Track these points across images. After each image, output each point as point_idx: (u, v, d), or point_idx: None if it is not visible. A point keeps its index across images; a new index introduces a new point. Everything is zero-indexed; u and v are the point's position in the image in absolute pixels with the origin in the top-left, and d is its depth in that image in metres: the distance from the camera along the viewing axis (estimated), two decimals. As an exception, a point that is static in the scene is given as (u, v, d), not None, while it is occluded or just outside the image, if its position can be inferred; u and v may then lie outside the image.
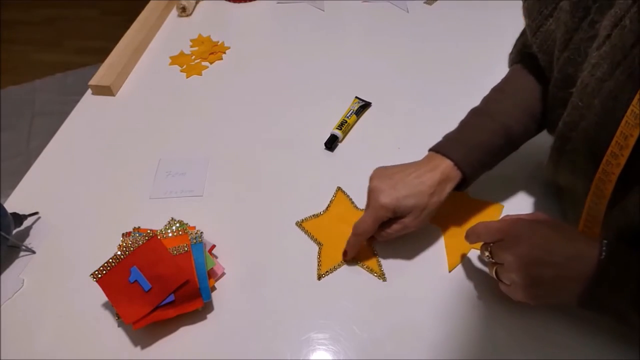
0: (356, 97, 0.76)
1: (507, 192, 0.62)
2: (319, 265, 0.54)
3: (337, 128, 0.69)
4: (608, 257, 0.40)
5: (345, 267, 0.54)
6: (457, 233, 0.57)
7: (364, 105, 0.74)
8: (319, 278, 0.53)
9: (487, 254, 0.46)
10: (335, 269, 0.54)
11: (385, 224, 0.52)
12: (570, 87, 0.46)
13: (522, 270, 0.42)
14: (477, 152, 0.53)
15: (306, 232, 0.57)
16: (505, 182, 0.63)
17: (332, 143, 0.68)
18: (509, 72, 0.60)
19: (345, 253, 0.54)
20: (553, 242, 0.42)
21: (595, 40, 0.41)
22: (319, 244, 0.56)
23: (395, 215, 0.51)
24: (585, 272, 0.40)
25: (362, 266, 0.54)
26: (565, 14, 0.45)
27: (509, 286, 0.44)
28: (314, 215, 0.59)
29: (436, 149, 0.54)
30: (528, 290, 0.42)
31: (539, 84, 0.54)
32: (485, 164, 0.54)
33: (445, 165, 0.52)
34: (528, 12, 0.52)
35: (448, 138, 0.55)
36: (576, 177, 0.47)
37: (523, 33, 0.58)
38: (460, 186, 0.53)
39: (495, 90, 0.58)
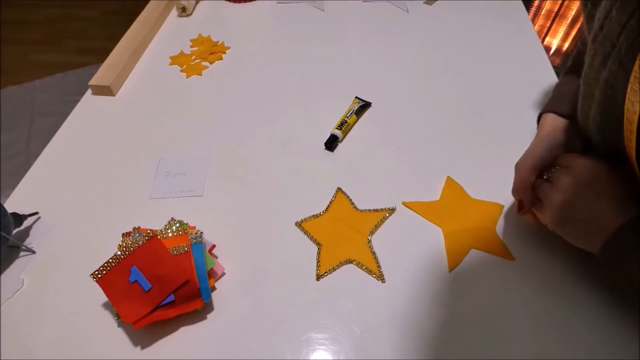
0: (356, 97, 0.76)
1: (505, 192, 0.62)
2: (318, 265, 0.54)
3: (337, 128, 0.69)
4: (636, 218, 0.42)
5: (345, 267, 0.54)
6: (457, 233, 0.57)
7: (364, 105, 0.74)
8: (318, 279, 0.53)
9: (552, 169, 0.49)
10: (334, 269, 0.54)
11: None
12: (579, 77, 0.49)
13: (566, 194, 0.45)
14: (570, 98, 0.55)
15: (305, 232, 0.57)
16: (506, 181, 0.63)
17: (332, 143, 0.68)
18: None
19: (520, 205, 0.53)
20: (605, 190, 0.44)
21: (592, 32, 0.43)
22: (318, 244, 0.56)
23: (544, 163, 0.51)
24: (613, 225, 0.42)
25: (360, 267, 0.54)
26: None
27: (540, 206, 0.48)
28: (313, 216, 0.59)
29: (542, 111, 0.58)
30: (557, 212, 0.46)
31: None
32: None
33: (543, 121, 0.56)
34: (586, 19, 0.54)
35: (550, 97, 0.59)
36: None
37: (577, 48, 0.61)
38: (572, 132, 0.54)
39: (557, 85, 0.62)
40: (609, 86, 0.40)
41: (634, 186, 0.44)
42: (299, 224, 0.58)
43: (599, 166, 0.46)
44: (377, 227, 0.58)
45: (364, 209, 0.60)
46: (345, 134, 0.70)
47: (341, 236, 0.57)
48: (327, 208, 0.60)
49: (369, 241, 0.56)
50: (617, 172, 0.46)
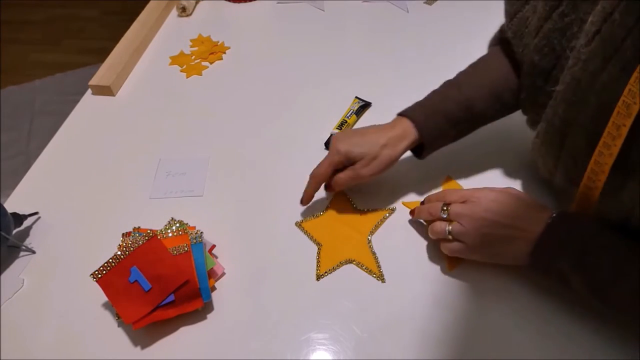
0: (356, 97, 0.76)
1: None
2: (317, 265, 0.54)
3: (337, 128, 0.69)
4: (556, 219, 0.44)
5: (345, 267, 0.54)
6: None
7: (364, 105, 0.74)
8: (318, 279, 0.53)
9: (445, 208, 0.49)
10: (334, 269, 0.54)
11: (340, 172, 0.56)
12: (538, 77, 0.49)
13: (477, 226, 0.46)
14: (437, 117, 0.56)
15: (305, 232, 0.57)
16: (505, 181, 0.63)
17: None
18: (487, 52, 0.62)
19: (302, 200, 0.58)
20: (508, 206, 0.46)
21: (582, 37, 0.42)
22: (318, 244, 0.56)
23: (348, 161, 0.55)
24: (534, 232, 0.44)
25: (360, 267, 0.54)
26: (540, 2, 0.47)
27: (461, 245, 0.48)
28: (313, 216, 0.59)
29: (401, 112, 0.58)
30: (480, 249, 0.47)
31: (511, 69, 0.57)
32: (444, 131, 0.57)
33: (404, 124, 0.56)
34: None
35: (415, 103, 0.58)
36: (578, 170, 0.47)
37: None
38: (420, 151, 0.58)
39: (470, 65, 0.61)
40: (607, 90, 0.40)
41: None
42: (299, 224, 0.58)
43: (492, 190, 0.48)
44: (377, 227, 0.58)
45: (364, 208, 0.60)
46: None
47: (341, 236, 0.57)
48: (327, 208, 0.60)
49: (369, 241, 0.56)
50: (511, 192, 0.48)
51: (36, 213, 0.60)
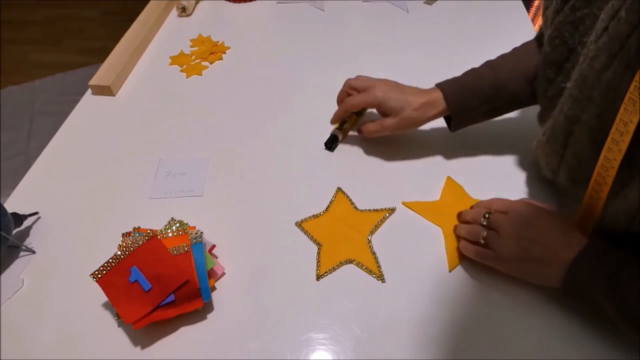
0: None
1: (505, 192, 0.62)
2: (317, 265, 0.54)
3: (337, 128, 0.69)
4: (589, 246, 0.44)
5: (345, 267, 0.54)
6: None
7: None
8: (318, 279, 0.53)
9: (487, 216, 0.50)
10: (334, 269, 0.54)
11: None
12: (549, 68, 0.50)
13: (515, 240, 0.46)
14: (467, 93, 0.60)
15: (305, 232, 0.57)
16: (506, 181, 0.63)
17: (332, 143, 0.68)
18: (531, 40, 0.63)
19: (332, 119, 0.68)
20: (549, 226, 0.47)
21: (592, 34, 0.42)
22: (318, 244, 0.56)
23: (379, 108, 0.63)
24: (568, 258, 0.44)
25: (360, 267, 0.54)
26: None
27: (491, 252, 0.49)
28: (313, 216, 0.59)
29: (437, 83, 0.62)
30: (513, 262, 0.48)
31: None
32: (473, 108, 0.60)
33: (435, 94, 0.60)
34: None
35: (452, 78, 0.62)
36: (582, 169, 0.47)
37: None
38: (450, 123, 0.63)
39: (513, 49, 0.63)
40: (612, 88, 0.40)
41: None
42: (298, 224, 0.58)
43: (533, 206, 0.49)
44: (377, 227, 0.58)
45: (364, 208, 0.60)
46: (345, 135, 0.70)
47: (341, 236, 0.57)
48: (327, 208, 0.60)
49: (369, 241, 0.56)
50: (548, 209, 0.49)
51: (36, 213, 0.60)
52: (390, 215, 0.59)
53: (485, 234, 0.49)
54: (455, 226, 0.55)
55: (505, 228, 0.48)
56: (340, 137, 0.69)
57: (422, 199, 0.61)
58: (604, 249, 0.44)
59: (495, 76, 0.59)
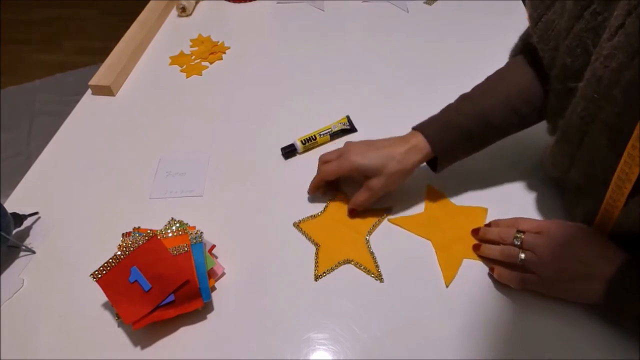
0: (346, 117, 0.72)
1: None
2: (316, 266, 0.54)
3: (301, 141, 0.67)
4: (631, 260, 0.43)
5: (344, 267, 0.54)
6: (448, 244, 0.56)
7: (347, 130, 0.71)
8: (316, 279, 0.53)
9: (518, 235, 0.48)
10: (332, 269, 0.54)
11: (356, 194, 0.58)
12: (570, 79, 0.47)
13: (554, 262, 0.45)
14: (450, 131, 0.55)
15: (303, 232, 0.57)
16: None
17: (288, 151, 0.67)
18: (507, 63, 0.60)
19: (308, 190, 0.61)
20: (585, 242, 0.46)
21: (605, 32, 0.41)
22: (316, 244, 0.56)
23: (357, 173, 0.56)
24: (609, 272, 0.43)
25: (359, 267, 0.54)
26: (570, 2, 0.46)
27: (534, 276, 0.47)
28: (311, 216, 0.59)
29: (415, 126, 0.57)
30: (555, 283, 0.46)
31: (534, 79, 0.55)
32: (458, 145, 0.56)
33: (416, 138, 0.55)
34: (531, 2, 0.53)
35: (429, 117, 0.58)
36: (595, 169, 0.47)
37: (527, 28, 0.58)
38: (435, 165, 0.58)
39: (487, 78, 0.59)
40: (635, 85, 0.38)
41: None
42: (297, 225, 0.58)
43: (565, 224, 0.47)
44: (374, 227, 0.58)
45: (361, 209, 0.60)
46: (306, 150, 0.68)
47: (339, 236, 0.57)
48: (325, 208, 0.60)
49: (367, 241, 0.56)
50: (579, 226, 0.48)
51: (36, 213, 0.60)
52: (387, 215, 0.59)
53: (523, 256, 0.47)
54: (478, 245, 0.54)
55: (543, 249, 0.46)
56: (299, 151, 0.67)
57: (406, 209, 0.60)
58: None
59: (476, 109, 0.55)
